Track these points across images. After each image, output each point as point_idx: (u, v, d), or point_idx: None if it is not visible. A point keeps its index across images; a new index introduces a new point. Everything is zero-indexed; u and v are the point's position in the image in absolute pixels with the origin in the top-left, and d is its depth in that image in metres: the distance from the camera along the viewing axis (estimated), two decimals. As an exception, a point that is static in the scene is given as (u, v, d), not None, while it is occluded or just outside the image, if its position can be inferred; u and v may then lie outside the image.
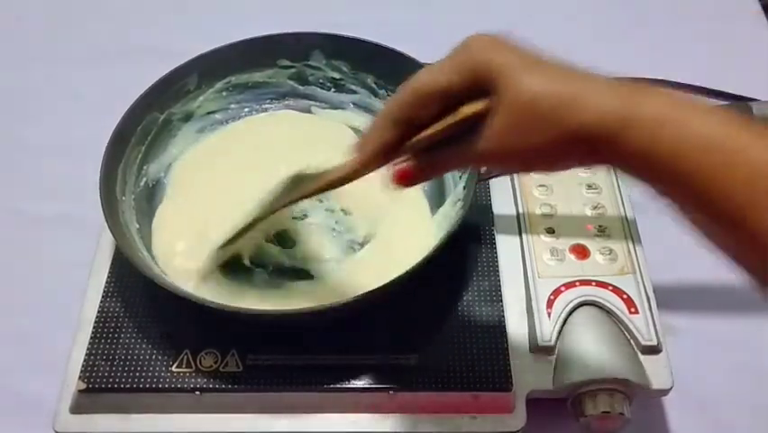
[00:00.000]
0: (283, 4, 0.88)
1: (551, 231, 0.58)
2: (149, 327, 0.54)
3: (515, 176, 0.62)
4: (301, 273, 0.58)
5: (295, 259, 0.59)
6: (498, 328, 0.54)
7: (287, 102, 0.69)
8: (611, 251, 0.56)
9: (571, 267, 0.56)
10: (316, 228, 0.61)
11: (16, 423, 0.57)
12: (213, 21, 0.86)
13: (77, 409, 0.52)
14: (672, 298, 0.60)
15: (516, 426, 0.51)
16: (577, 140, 0.36)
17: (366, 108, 0.68)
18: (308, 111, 0.69)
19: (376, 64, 0.66)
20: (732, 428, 0.57)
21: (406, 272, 0.50)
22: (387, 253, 0.58)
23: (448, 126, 0.40)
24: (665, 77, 0.75)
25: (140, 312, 0.55)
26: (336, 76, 0.68)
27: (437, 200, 0.61)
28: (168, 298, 0.51)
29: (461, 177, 0.59)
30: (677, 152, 0.34)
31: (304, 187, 0.49)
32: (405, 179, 0.43)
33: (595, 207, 0.59)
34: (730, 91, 0.73)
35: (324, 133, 0.67)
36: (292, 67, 0.68)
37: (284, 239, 0.60)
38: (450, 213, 0.59)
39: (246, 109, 0.69)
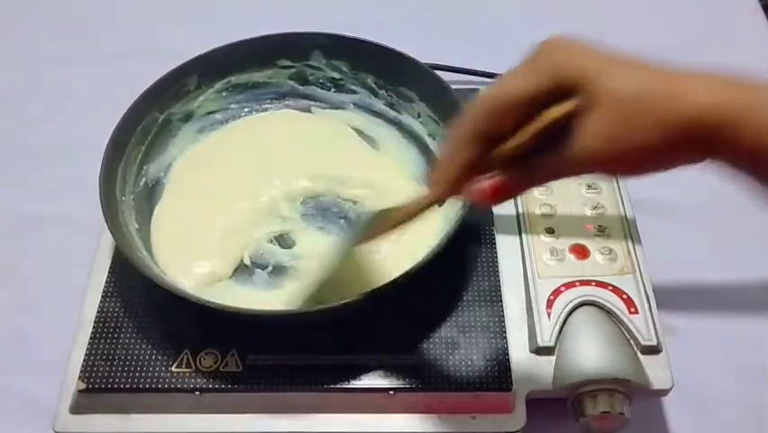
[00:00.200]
0: (283, 4, 0.88)
1: (551, 231, 0.58)
2: (149, 327, 0.54)
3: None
4: (301, 273, 0.58)
5: (295, 259, 0.59)
6: (498, 328, 0.54)
7: (287, 102, 0.69)
8: (611, 251, 0.56)
9: (571, 267, 0.56)
10: (317, 227, 0.61)
11: (16, 423, 0.57)
12: (213, 21, 0.86)
13: (76, 409, 0.52)
14: (671, 298, 0.60)
15: (516, 426, 0.51)
16: (684, 134, 0.35)
17: (366, 108, 0.68)
18: (308, 111, 0.69)
19: (376, 64, 0.66)
20: (732, 428, 0.57)
21: (406, 273, 0.50)
22: (390, 253, 0.58)
23: (537, 133, 0.38)
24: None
25: (140, 312, 0.55)
26: (336, 76, 0.68)
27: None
28: (167, 298, 0.51)
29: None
30: None
31: (389, 220, 0.47)
32: (498, 196, 0.40)
33: (595, 207, 0.59)
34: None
35: (325, 133, 0.67)
36: (292, 67, 0.68)
37: (284, 239, 0.60)
38: (450, 213, 0.59)
39: (246, 109, 0.69)
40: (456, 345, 0.53)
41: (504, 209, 0.60)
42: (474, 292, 0.56)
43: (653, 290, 0.55)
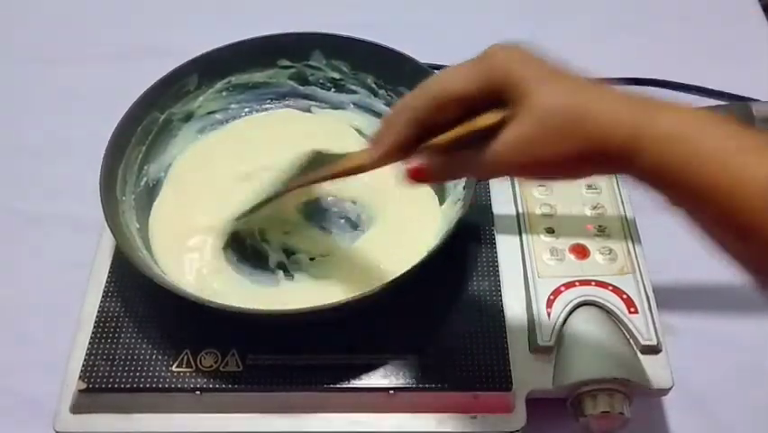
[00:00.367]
0: (283, 4, 0.88)
1: (551, 231, 0.58)
2: (149, 327, 0.54)
3: (515, 176, 0.62)
4: (301, 272, 0.58)
5: (295, 258, 0.59)
6: (498, 328, 0.54)
7: (287, 102, 0.69)
8: (611, 251, 0.56)
9: (571, 267, 0.56)
10: (318, 227, 0.61)
11: (16, 423, 0.57)
12: (213, 21, 0.86)
13: (77, 408, 0.52)
14: (671, 298, 0.60)
15: (516, 426, 0.51)
16: (590, 153, 0.37)
17: (366, 108, 0.68)
18: (308, 111, 0.69)
19: (376, 64, 0.66)
20: (732, 428, 0.57)
21: (406, 273, 0.50)
22: (390, 253, 0.58)
23: (463, 134, 0.40)
24: (665, 77, 0.75)
25: (140, 312, 0.55)
26: (336, 76, 0.68)
27: (439, 200, 0.61)
28: (168, 297, 0.51)
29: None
30: (688, 166, 0.35)
31: (321, 170, 0.50)
32: (417, 177, 0.43)
33: (595, 207, 0.59)
34: (730, 91, 0.73)
35: (325, 133, 0.67)
36: (292, 67, 0.68)
37: (284, 238, 0.60)
38: (450, 213, 0.59)
39: (246, 109, 0.69)
40: (456, 345, 0.53)
41: (504, 209, 0.60)
42: (474, 292, 0.56)
43: (653, 290, 0.55)
